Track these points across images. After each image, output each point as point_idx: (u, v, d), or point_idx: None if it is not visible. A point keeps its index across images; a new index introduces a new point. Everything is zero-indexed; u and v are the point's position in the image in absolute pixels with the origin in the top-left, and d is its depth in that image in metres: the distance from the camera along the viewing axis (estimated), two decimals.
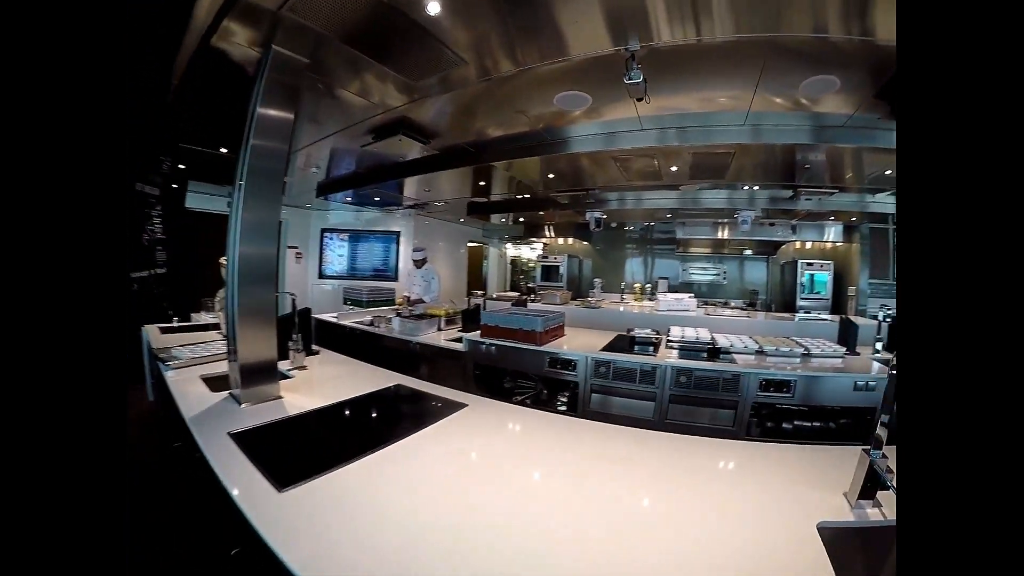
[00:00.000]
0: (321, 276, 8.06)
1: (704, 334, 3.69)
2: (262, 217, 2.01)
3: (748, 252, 8.25)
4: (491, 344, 3.67)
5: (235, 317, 1.96)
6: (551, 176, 4.89)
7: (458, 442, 1.63)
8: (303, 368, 2.56)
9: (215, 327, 3.63)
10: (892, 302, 4.71)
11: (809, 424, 2.95)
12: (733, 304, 6.99)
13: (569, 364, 3.40)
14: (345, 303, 6.02)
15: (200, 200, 6.11)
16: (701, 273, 8.56)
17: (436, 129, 3.56)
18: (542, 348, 3.49)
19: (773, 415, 3.00)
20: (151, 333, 3.53)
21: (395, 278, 7.96)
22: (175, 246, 5.68)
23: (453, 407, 1.98)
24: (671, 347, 3.59)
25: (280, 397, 2.02)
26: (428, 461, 1.46)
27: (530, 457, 1.54)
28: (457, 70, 2.47)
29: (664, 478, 1.40)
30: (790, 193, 4.77)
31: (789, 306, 6.62)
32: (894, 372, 1.24)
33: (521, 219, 8.90)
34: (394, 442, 1.58)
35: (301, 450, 1.58)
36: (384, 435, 1.63)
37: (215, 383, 2.18)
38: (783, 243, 7.56)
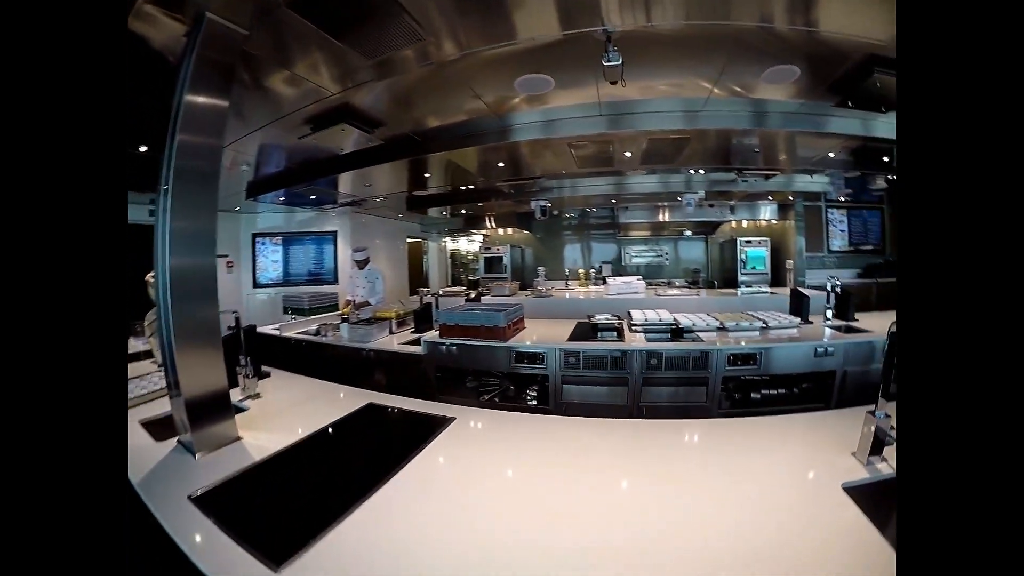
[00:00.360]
0: (256, 285, 7.39)
1: (665, 315, 3.73)
2: (195, 225, 1.69)
3: (688, 233, 8.62)
4: (452, 344, 3.49)
5: (171, 342, 1.64)
6: (500, 165, 4.75)
7: (464, 461, 1.49)
8: (257, 396, 2.24)
9: (148, 355, 3.17)
10: (837, 273, 5.05)
11: (775, 392, 3.09)
12: (678, 283, 7.24)
13: (537, 358, 3.30)
14: (286, 312, 5.58)
15: None
16: (641, 255, 8.81)
17: (381, 117, 3.29)
18: (507, 344, 3.36)
19: (740, 387, 3.11)
20: None
21: (335, 281, 7.49)
22: None
23: (440, 423, 1.81)
24: (635, 331, 3.61)
25: (239, 438, 1.72)
26: (444, 489, 1.30)
27: (566, 473, 1.38)
28: (412, 48, 2.26)
29: (691, 466, 1.39)
30: (733, 176, 4.97)
31: (730, 282, 6.98)
32: (890, 343, 1.29)
33: (462, 211, 8.67)
34: (394, 474, 1.38)
35: (284, 506, 1.30)
36: (379, 468, 1.43)
37: (158, 429, 1.84)
38: (721, 223, 7.94)
